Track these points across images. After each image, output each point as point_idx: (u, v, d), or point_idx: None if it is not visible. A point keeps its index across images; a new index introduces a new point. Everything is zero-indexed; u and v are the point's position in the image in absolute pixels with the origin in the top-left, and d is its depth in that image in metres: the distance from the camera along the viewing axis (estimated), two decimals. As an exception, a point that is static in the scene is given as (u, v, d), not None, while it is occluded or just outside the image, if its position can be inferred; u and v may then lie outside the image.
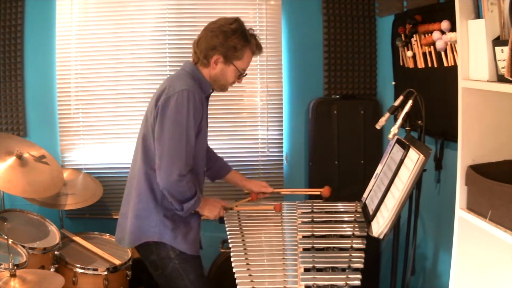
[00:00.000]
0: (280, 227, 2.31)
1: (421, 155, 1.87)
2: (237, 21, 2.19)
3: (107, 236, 2.98)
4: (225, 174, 2.57)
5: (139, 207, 2.19)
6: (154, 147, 2.12)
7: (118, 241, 2.33)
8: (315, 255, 2.02)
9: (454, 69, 1.86)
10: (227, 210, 2.40)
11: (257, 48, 2.25)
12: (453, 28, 2.20)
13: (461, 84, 1.72)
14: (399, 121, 2.17)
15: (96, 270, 2.58)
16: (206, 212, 2.26)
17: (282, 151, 3.42)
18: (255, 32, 2.25)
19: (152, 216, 2.17)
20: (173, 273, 2.20)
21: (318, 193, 2.58)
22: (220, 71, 2.19)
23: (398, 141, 2.19)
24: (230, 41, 2.14)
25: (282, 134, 3.41)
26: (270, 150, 3.42)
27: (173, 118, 2.06)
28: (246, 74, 2.28)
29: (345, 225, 2.27)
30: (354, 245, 2.09)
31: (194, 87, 2.11)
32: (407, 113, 2.17)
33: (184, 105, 2.05)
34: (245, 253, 2.08)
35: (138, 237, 2.21)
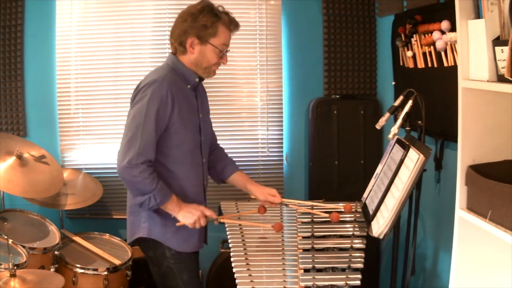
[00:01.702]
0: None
1: (421, 155, 1.87)
2: (203, 1, 2.17)
3: (107, 236, 2.98)
4: (228, 175, 2.42)
5: (131, 203, 2.21)
6: None
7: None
8: (315, 255, 2.02)
9: (454, 69, 1.86)
10: (211, 220, 2.18)
11: (231, 23, 2.19)
12: (453, 28, 2.20)
13: (461, 84, 1.72)
14: (399, 121, 2.17)
15: (96, 270, 2.58)
16: (181, 218, 2.10)
17: (282, 151, 3.42)
18: (226, 9, 2.19)
19: (141, 212, 2.17)
20: (167, 271, 2.20)
21: (327, 216, 2.27)
22: (199, 53, 2.15)
23: (398, 141, 2.19)
24: (199, 20, 2.11)
25: (282, 134, 3.41)
26: (270, 150, 3.42)
27: (135, 107, 2.06)
28: (228, 51, 2.21)
29: (345, 225, 2.27)
30: (354, 245, 2.09)
31: (167, 77, 2.09)
32: (407, 113, 2.17)
33: (147, 95, 2.04)
34: (245, 253, 2.08)
35: (132, 232, 2.22)
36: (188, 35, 2.13)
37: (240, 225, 2.31)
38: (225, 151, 3.37)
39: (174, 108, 2.09)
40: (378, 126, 2.34)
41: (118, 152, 2.07)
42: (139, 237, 2.19)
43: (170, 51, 3.21)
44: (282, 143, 3.42)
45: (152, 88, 2.05)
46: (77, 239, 2.85)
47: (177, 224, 2.12)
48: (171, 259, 2.18)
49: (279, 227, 2.15)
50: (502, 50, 1.51)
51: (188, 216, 2.10)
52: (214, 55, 2.17)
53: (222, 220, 2.23)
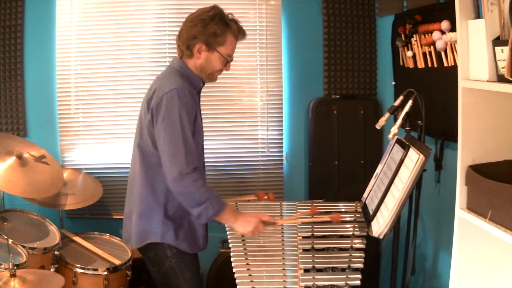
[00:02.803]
0: (280, 227, 2.30)
1: (421, 155, 1.87)
2: (214, 8, 2.18)
3: (107, 236, 2.98)
4: None
5: (142, 208, 2.19)
6: (152, 147, 2.12)
7: (126, 240, 2.33)
8: (315, 255, 2.02)
9: (454, 69, 1.86)
10: (269, 225, 2.18)
11: (240, 33, 2.21)
12: (453, 28, 2.20)
13: (461, 84, 1.72)
14: (399, 121, 2.17)
15: (96, 270, 2.58)
16: (238, 228, 2.10)
17: (282, 151, 3.42)
18: (235, 17, 2.21)
19: (154, 217, 2.16)
20: (169, 271, 2.20)
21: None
22: (205, 59, 2.17)
23: (398, 141, 2.19)
24: (209, 27, 2.12)
25: (282, 134, 3.41)
26: (270, 150, 3.42)
27: (167, 120, 2.05)
28: (232, 60, 2.25)
29: (345, 225, 2.27)
30: (354, 245, 2.09)
31: (183, 84, 2.10)
32: (407, 113, 2.17)
33: (175, 105, 2.04)
34: (245, 253, 2.08)
35: (143, 238, 2.20)
36: (196, 40, 2.14)
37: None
38: (226, 151, 3.40)
39: (196, 114, 2.13)
40: (378, 126, 2.34)
41: (165, 169, 2.04)
42: (151, 242, 2.18)
43: (170, 51, 3.28)
44: (282, 143, 3.42)
45: (178, 97, 2.05)
46: (77, 239, 2.85)
47: (237, 233, 2.14)
48: (172, 258, 2.19)
49: (337, 217, 2.20)
50: (502, 50, 1.51)
51: (246, 225, 2.10)
52: (219, 63, 2.20)
53: (282, 223, 2.26)
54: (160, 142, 2.08)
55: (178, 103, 2.04)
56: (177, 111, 2.04)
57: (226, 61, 2.22)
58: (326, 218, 2.23)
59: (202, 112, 2.30)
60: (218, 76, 2.28)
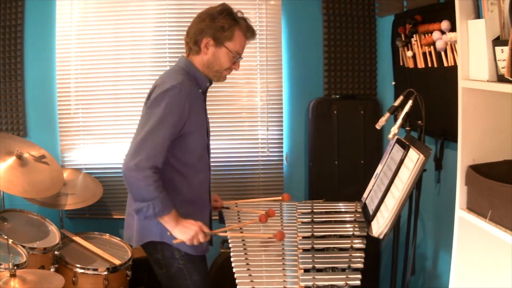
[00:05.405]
0: (280, 228, 2.30)
1: (421, 155, 1.87)
2: (223, 4, 2.18)
3: (107, 236, 2.98)
4: None
5: None
6: None
7: (127, 240, 2.30)
8: (315, 255, 2.02)
9: (454, 69, 1.86)
10: (210, 235, 2.13)
11: (249, 31, 2.20)
12: (453, 28, 2.20)
13: (461, 84, 1.72)
14: (399, 121, 2.17)
15: (96, 270, 2.58)
16: (177, 234, 2.05)
17: (282, 151, 3.42)
18: (244, 16, 2.20)
19: None
20: (177, 273, 2.19)
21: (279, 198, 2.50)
22: (212, 54, 2.14)
23: (398, 141, 2.19)
24: (217, 22, 2.11)
25: (282, 134, 3.41)
26: (270, 150, 3.42)
27: (151, 111, 2.03)
28: (242, 58, 2.22)
29: (345, 225, 2.27)
30: (354, 245, 2.09)
31: (184, 83, 2.07)
32: (407, 113, 2.17)
33: (164, 101, 2.02)
34: (245, 253, 2.07)
35: (142, 236, 2.19)
36: (204, 35, 2.12)
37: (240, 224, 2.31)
38: (225, 151, 3.40)
39: (190, 116, 2.08)
40: (378, 126, 2.34)
41: (127, 152, 2.03)
42: (150, 241, 2.18)
43: (170, 51, 3.28)
44: (282, 143, 3.42)
45: (170, 95, 2.02)
46: (77, 239, 2.85)
47: (174, 241, 2.07)
48: (180, 260, 2.17)
49: (281, 236, 2.11)
50: (502, 50, 1.51)
51: (185, 231, 2.05)
52: (227, 59, 2.16)
53: (221, 234, 2.19)
54: (138, 126, 2.07)
55: (167, 100, 2.02)
56: (163, 107, 2.01)
57: (235, 58, 2.18)
58: (254, 220, 2.14)
59: (203, 111, 2.30)
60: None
